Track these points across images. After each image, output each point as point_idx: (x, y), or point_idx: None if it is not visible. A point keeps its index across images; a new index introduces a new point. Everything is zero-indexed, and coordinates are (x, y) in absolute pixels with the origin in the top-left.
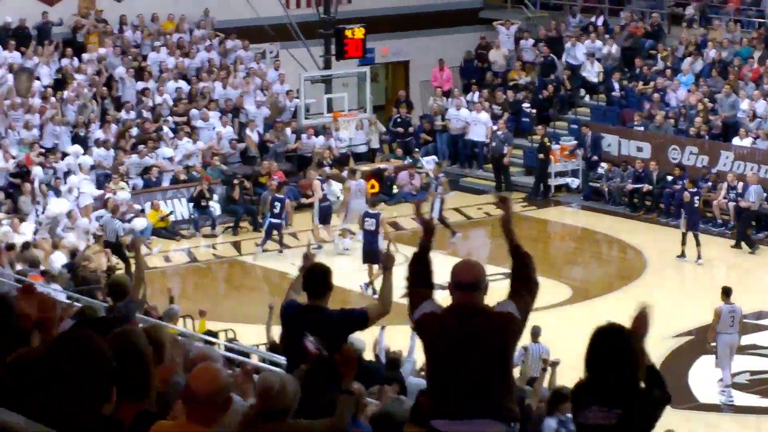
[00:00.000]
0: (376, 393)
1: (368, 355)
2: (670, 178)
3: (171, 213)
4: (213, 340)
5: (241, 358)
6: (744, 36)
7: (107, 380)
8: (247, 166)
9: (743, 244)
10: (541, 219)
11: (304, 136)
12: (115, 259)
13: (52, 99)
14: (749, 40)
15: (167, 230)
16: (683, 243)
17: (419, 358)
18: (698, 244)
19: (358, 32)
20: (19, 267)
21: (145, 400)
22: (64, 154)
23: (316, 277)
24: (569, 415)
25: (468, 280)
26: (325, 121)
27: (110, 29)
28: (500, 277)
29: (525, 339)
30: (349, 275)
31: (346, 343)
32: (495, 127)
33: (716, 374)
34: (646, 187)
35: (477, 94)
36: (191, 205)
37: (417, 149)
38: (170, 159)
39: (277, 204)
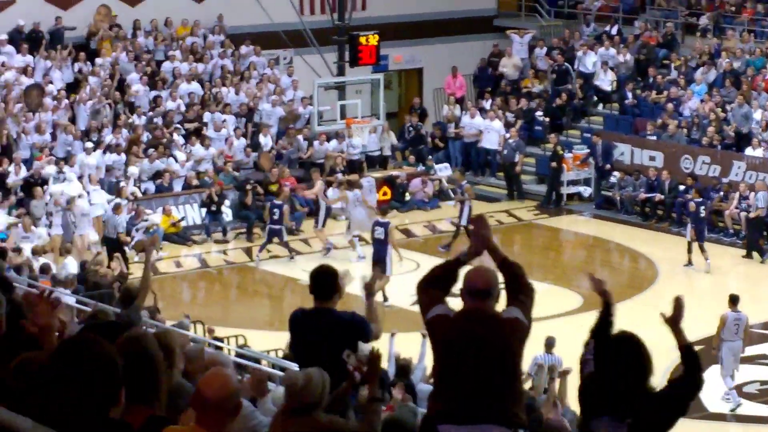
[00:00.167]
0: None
1: None
2: (682, 187)
3: (183, 219)
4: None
5: (252, 363)
6: (758, 46)
7: (114, 384)
8: (259, 173)
9: (754, 253)
10: (553, 227)
11: (316, 142)
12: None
13: (65, 102)
14: (762, 50)
15: (179, 236)
16: (689, 251)
17: (430, 365)
18: (703, 251)
19: (373, 39)
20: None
21: (155, 404)
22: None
23: (323, 279)
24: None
25: (480, 287)
26: (338, 127)
27: (123, 34)
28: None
29: (539, 350)
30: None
31: (356, 349)
32: (507, 135)
33: (724, 384)
34: (658, 196)
35: (490, 101)
36: (203, 210)
37: (430, 156)
38: (181, 163)
39: (276, 210)
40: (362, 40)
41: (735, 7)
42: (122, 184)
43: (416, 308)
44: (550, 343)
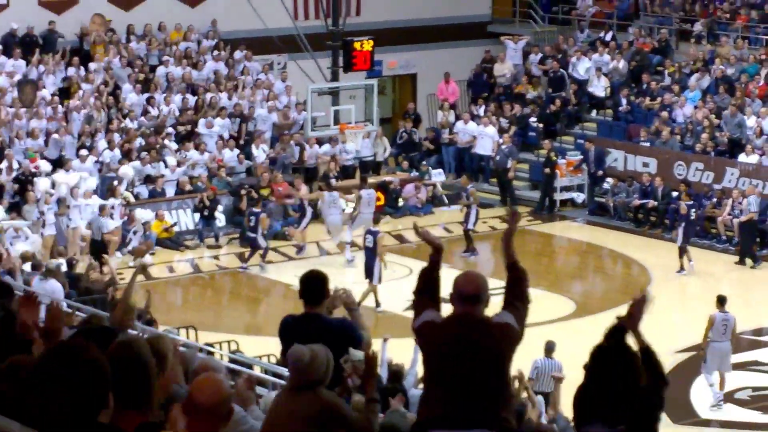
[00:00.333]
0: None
1: None
2: (675, 194)
3: (175, 224)
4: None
5: (244, 369)
6: (751, 53)
7: (102, 388)
8: (252, 178)
9: (747, 259)
10: (546, 233)
11: (307, 146)
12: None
13: (59, 108)
14: (756, 57)
15: (172, 241)
16: (681, 257)
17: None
18: (686, 251)
19: (367, 44)
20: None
21: (147, 410)
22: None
23: (313, 283)
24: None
25: (470, 292)
26: (331, 133)
27: (117, 38)
28: (502, 292)
29: (538, 354)
30: (353, 288)
31: (347, 354)
32: (500, 141)
33: (705, 379)
34: (652, 202)
35: (483, 107)
36: (196, 215)
37: (424, 162)
38: (171, 168)
39: (252, 218)
40: (356, 45)
41: (729, 13)
42: (115, 182)
43: (409, 314)
44: (549, 348)
